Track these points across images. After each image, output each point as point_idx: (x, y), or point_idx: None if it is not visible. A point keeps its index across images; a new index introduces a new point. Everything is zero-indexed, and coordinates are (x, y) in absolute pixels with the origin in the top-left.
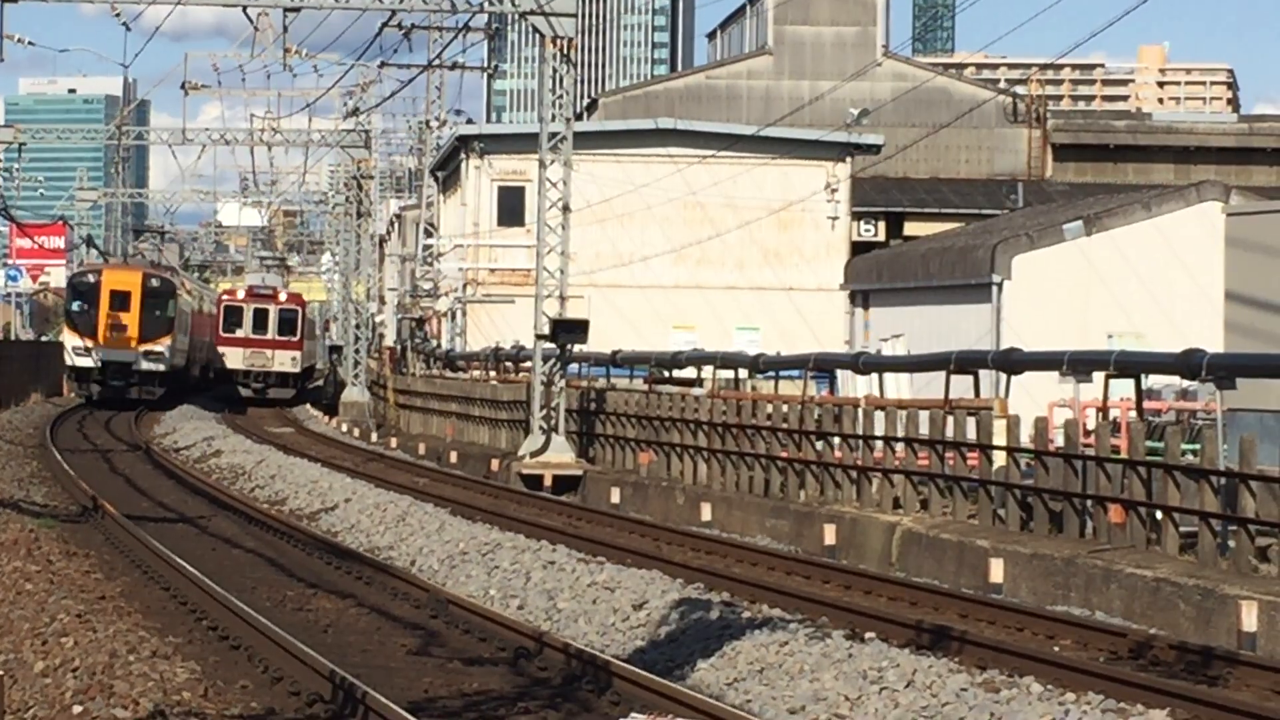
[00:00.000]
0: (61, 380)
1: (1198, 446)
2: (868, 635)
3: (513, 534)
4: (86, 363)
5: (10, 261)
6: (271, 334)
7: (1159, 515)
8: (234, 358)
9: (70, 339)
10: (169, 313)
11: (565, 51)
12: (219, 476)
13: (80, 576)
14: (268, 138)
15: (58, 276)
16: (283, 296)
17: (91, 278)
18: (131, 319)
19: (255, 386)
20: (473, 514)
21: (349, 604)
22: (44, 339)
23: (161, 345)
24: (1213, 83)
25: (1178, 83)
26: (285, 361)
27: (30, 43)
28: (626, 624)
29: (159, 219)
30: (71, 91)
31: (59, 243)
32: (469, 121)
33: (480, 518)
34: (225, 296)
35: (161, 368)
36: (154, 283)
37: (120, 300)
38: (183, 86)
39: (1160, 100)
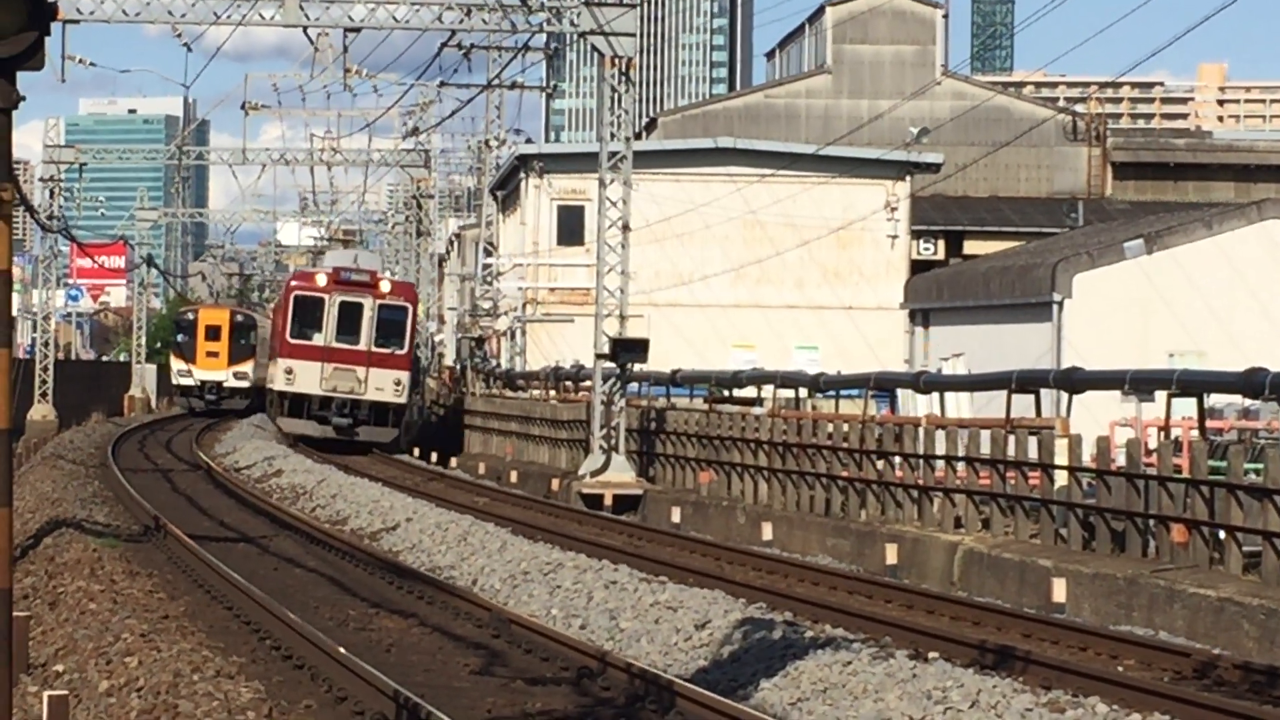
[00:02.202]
0: (123, 400)
1: (1261, 466)
2: (931, 655)
3: (574, 553)
4: (188, 382)
5: (71, 281)
6: (365, 343)
7: (1222, 535)
8: (307, 377)
9: (175, 363)
10: (251, 341)
11: (625, 71)
12: (280, 496)
13: (143, 596)
14: (327, 157)
15: (117, 296)
16: (385, 286)
17: (190, 315)
18: (221, 347)
19: (338, 422)
20: (534, 533)
21: (411, 623)
22: (104, 359)
23: (245, 367)
24: (1272, 101)
25: (1237, 101)
26: (386, 386)
27: (91, 63)
28: (689, 644)
29: (219, 238)
30: (131, 112)
31: (119, 262)
32: (528, 141)
33: (541, 537)
34: (297, 284)
35: (246, 384)
36: (239, 318)
37: (213, 332)
38: (243, 107)
39: (1220, 119)
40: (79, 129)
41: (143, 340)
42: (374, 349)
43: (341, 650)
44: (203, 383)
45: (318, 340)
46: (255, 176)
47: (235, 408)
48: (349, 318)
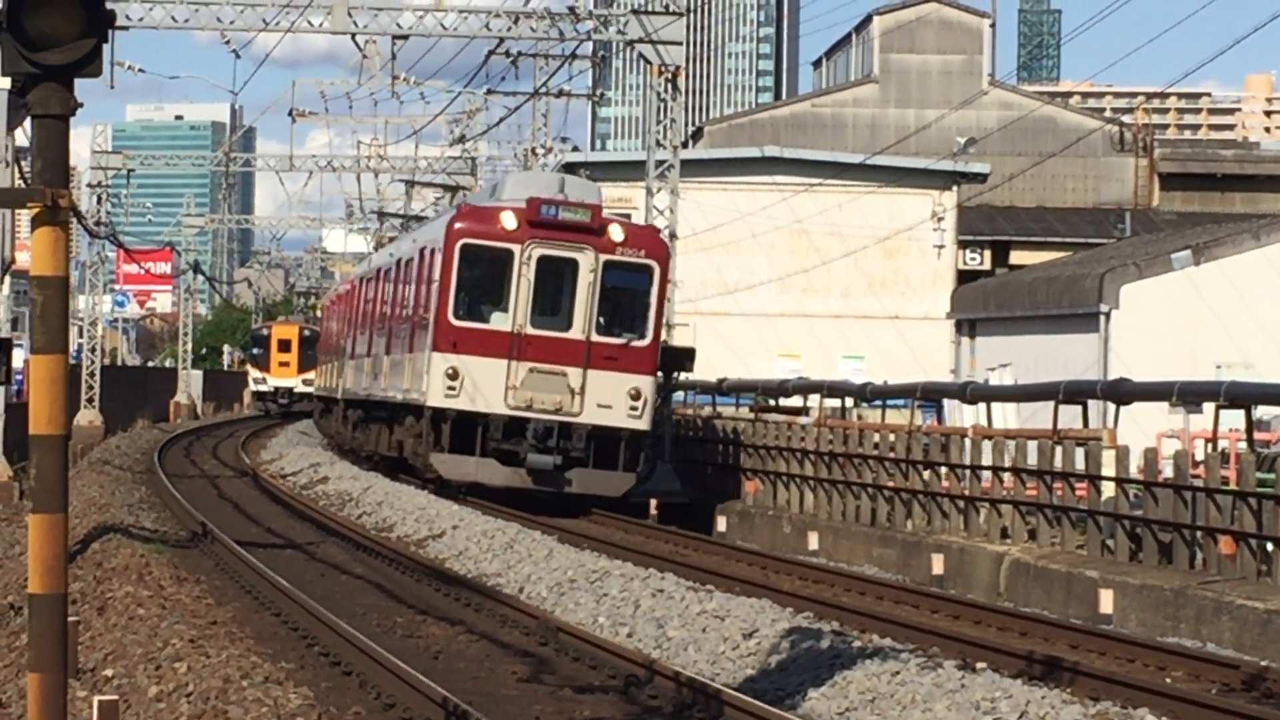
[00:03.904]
0: (168, 405)
1: None
2: (979, 665)
3: (620, 561)
4: (263, 388)
5: (117, 287)
6: (583, 327)
7: (1270, 547)
8: (483, 384)
9: (252, 372)
10: (318, 353)
11: (672, 79)
12: (326, 503)
13: (191, 602)
14: (374, 164)
15: (163, 302)
16: (617, 232)
17: (265, 331)
18: (291, 358)
19: (537, 462)
20: (580, 541)
21: (458, 630)
22: (150, 364)
23: (313, 374)
24: None
25: None
26: (617, 400)
27: (140, 70)
28: (736, 652)
29: (264, 245)
30: (178, 118)
31: (165, 268)
32: (574, 149)
33: (588, 545)
34: (463, 226)
35: (313, 390)
36: (306, 332)
37: (284, 345)
38: (290, 113)
39: (1267, 129)
40: (125, 135)
41: (189, 346)
42: (597, 337)
43: (390, 656)
44: (276, 389)
45: (500, 323)
46: (302, 183)
47: (305, 410)
48: (555, 285)
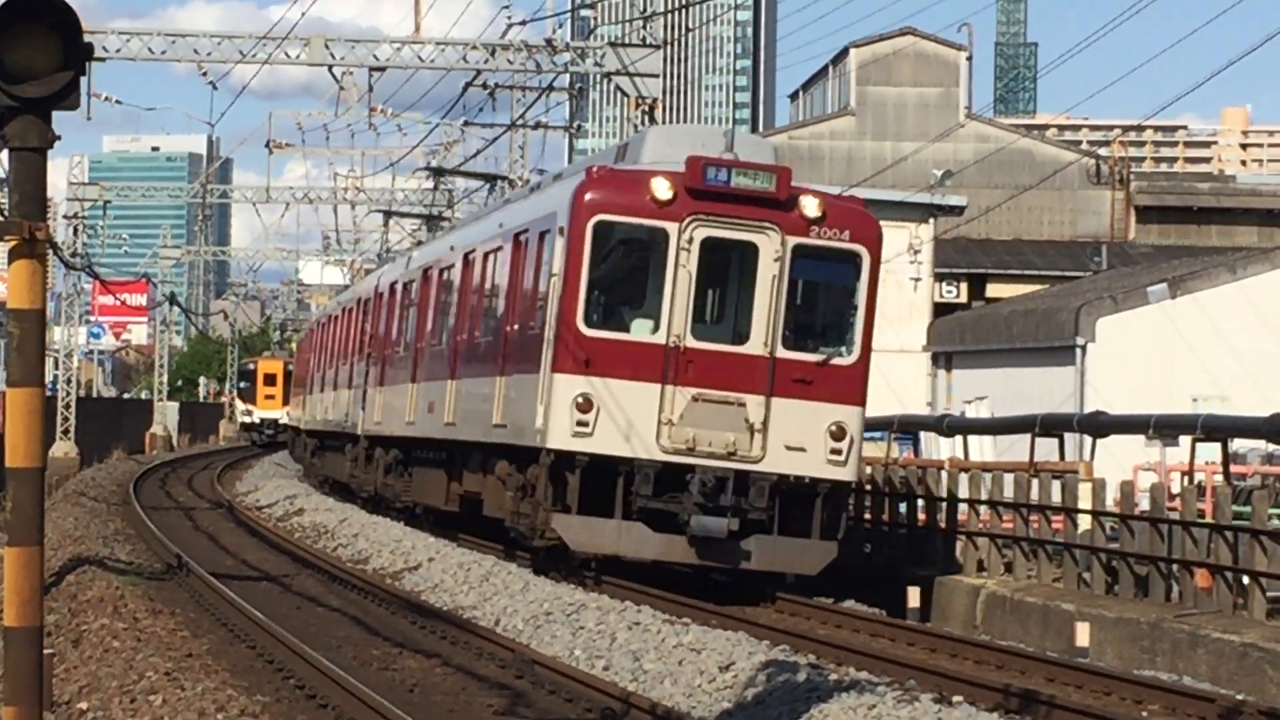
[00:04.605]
0: (144, 437)
1: None
2: (955, 699)
3: (597, 594)
4: (250, 420)
5: (93, 318)
6: (765, 338)
7: (1246, 580)
8: (629, 418)
9: (239, 405)
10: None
11: (649, 111)
12: (302, 535)
13: (167, 634)
14: (351, 196)
15: (139, 333)
16: (811, 206)
17: (251, 366)
18: (277, 391)
19: (706, 526)
20: (556, 575)
21: (434, 663)
22: (125, 396)
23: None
24: None
25: (1261, 145)
26: (814, 442)
27: (117, 101)
28: (713, 685)
29: (241, 277)
30: (155, 149)
31: (141, 300)
32: None
33: (563, 578)
34: (595, 195)
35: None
36: (290, 367)
37: (270, 379)
38: (267, 145)
39: (1243, 162)
40: (102, 166)
41: (164, 378)
42: (785, 353)
43: (365, 689)
44: (262, 420)
45: (647, 333)
46: (278, 215)
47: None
48: (726, 279)
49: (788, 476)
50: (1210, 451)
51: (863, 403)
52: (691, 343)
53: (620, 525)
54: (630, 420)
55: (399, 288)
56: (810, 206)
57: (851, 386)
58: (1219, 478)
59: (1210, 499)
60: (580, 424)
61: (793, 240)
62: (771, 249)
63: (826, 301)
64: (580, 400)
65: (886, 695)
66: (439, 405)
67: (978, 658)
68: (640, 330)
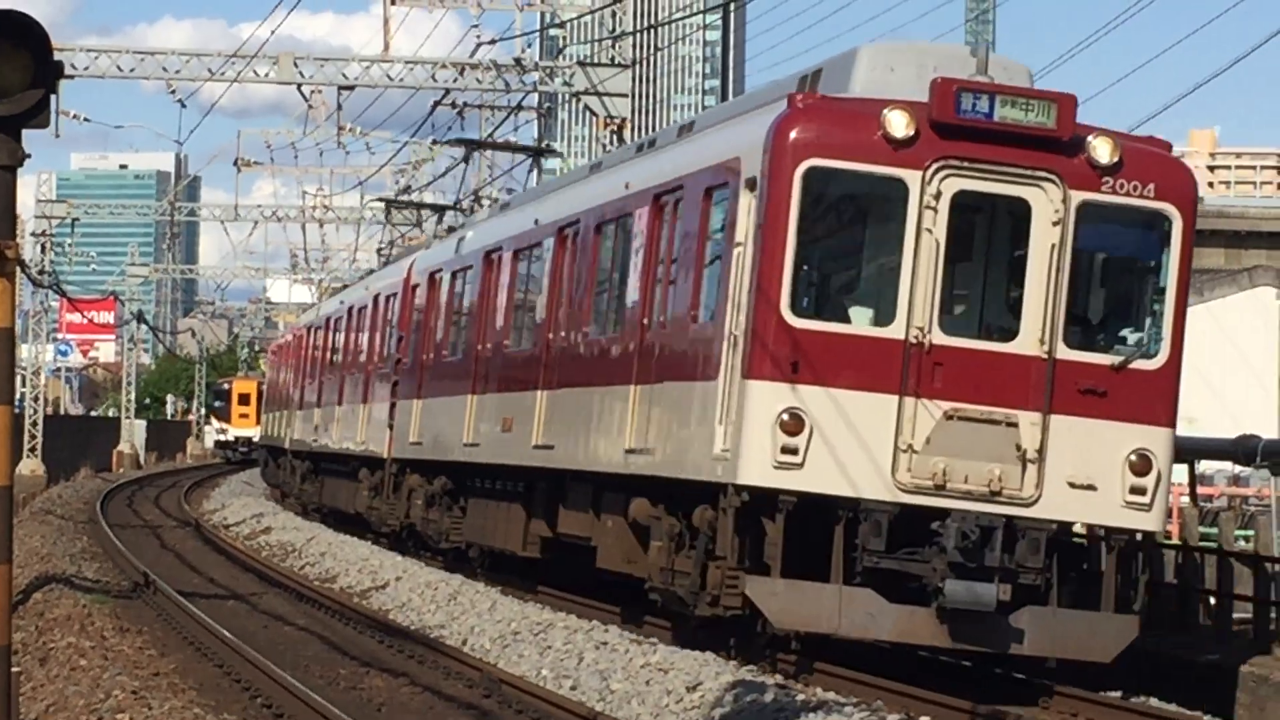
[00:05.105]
0: (112, 455)
1: (1251, 533)
2: (922, 719)
3: (564, 614)
4: (225, 438)
5: (60, 336)
6: (1040, 334)
7: (1212, 601)
8: (861, 447)
9: (215, 423)
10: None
11: (618, 131)
12: (269, 553)
13: (134, 653)
14: (319, 214)
15: (106, 351)
16: (1105, 151)
17: (226, 385)
18: (250, 410)
19: (970, 600)
20: (524, 594)
21: (402, 683)
22: (93, 414)
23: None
24: (1263, 167)
25: (1228, 166)
26: (1105, 476)
27: (86, 119)
28: (680, 705)
29: (209, 295)
30: (123, 167)
31: (109, 318)
32: None
33: (531, 597)
34: (806, 130)
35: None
36: (264, 386)
37: (244, 399)
38: (236, 163)
39: (1210, 184)
40: (70, 184)
41: (132, 396)
42: (1068, 353)
43: (333, 708)
44: (236, 438)
45: (873, 324)
46: (246, 233)
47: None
48: (982, 248)
49: (1070, 524)
50: (1177, 473)
51: (1173, 423)
52: (940, 338)
53: (842, 593)
54: (855, 446)
55: (443, 278)
56: (1102, 150)
57: (1158, 400)
58: (1185, 499)
59: (1177, 520)
60: (787, 451)
61: (1078, 196)
62: (1049, 208)
63: (1124, 281)
64: (787, 418)
65: (854, 715)
66: (521, 422)
67: (945, 673)
68: (865, 321)
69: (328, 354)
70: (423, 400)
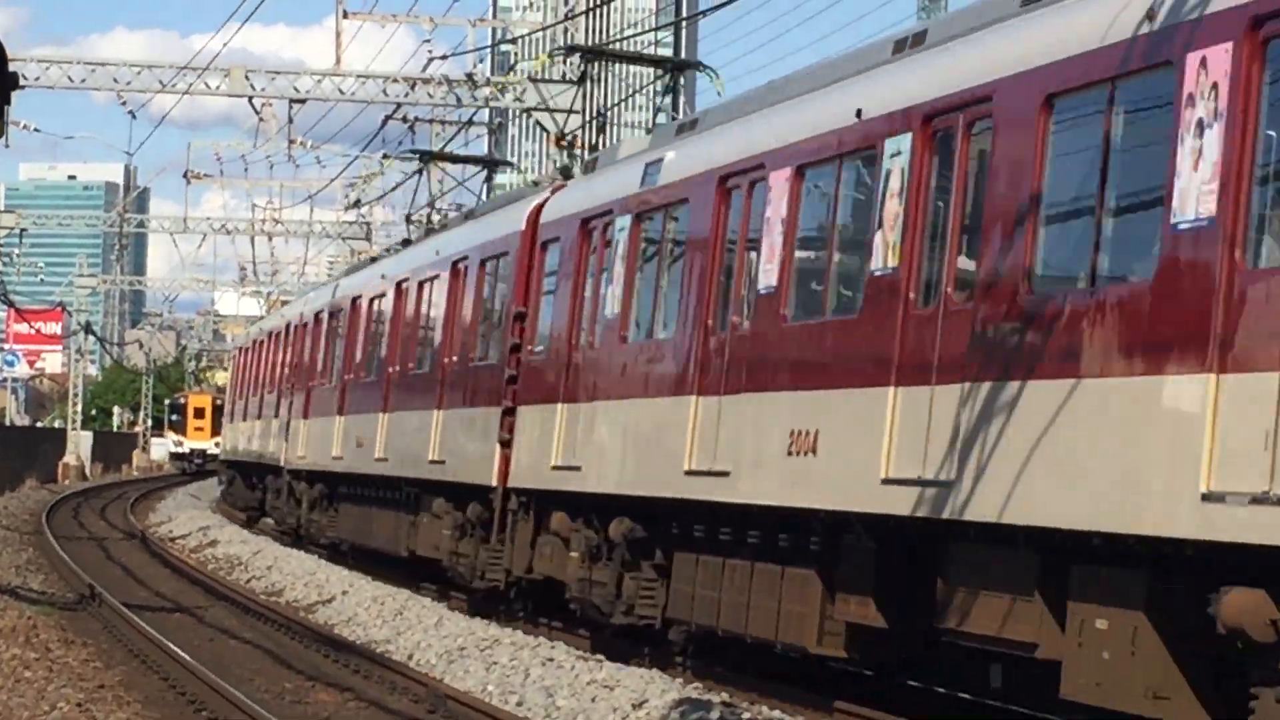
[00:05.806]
0: (57, 466)
1: None
2: None
3: (511, 630)
4: (180, 450)
5: (6, 346)
6: None
7: None
8: None
9: (171, 435)
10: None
11: (569, 147)
12: (215, 566)
13: (79, 665)
14: (269, 228)
15: (53, 362)
16: None
17: (182, 400)
18: (205, 423)
19: None
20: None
21: (348, 697)
22: (39, 425)
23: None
24: None
25: None
26: None
27: (36, 129)
28: None
29: (157, 307)
30: (71, 178)
31: (56, 329)
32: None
33: (477, 613)
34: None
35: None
36: (218, 401)
37: (199, 412)
38: (185, 175)
39: None
40: (18, 194)
41: (78, 407)
42: None
43: None
44: (192, 450)
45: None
46: (196, 245)
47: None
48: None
49: None
50: None
51: None
52: None
53: None
54: None
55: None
56: None
57: None
58: None
59: None
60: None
61: None
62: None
63: None
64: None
65: None
66: (811, 441)
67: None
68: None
69: (342, 351)
70: (531, 412)
